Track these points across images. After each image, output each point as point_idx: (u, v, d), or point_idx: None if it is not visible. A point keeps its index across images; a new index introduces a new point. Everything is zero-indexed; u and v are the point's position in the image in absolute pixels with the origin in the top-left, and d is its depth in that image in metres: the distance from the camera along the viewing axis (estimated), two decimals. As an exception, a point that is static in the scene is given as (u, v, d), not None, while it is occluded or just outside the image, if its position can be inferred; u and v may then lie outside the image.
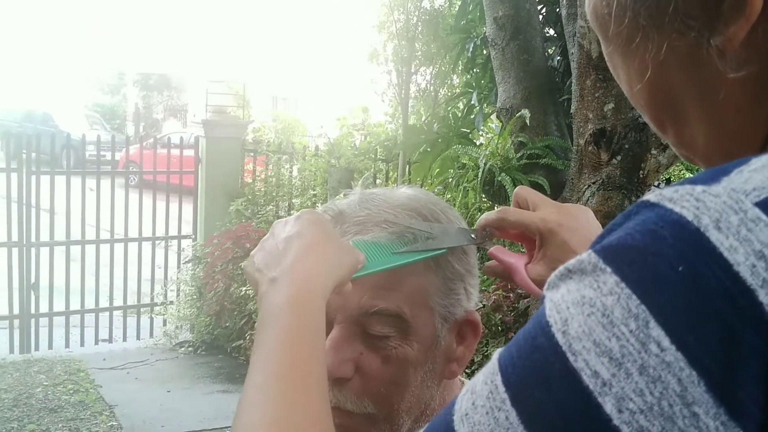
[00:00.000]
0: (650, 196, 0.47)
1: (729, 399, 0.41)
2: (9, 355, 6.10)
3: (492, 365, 0.49)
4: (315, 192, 6.92)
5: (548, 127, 3.90)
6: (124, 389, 5.41)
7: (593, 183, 3.34)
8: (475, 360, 3.39)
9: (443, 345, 0.88)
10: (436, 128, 5.26)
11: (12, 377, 5.50)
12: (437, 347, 0.87)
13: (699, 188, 0.45)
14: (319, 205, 5.54)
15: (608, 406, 0.42)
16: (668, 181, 4.22)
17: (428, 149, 4.88)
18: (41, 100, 22.11)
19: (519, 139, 3.84)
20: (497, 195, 3.67)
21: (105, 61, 27.29)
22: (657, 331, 0.42)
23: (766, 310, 0.41)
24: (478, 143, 4.93)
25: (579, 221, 0.85)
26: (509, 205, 0.90)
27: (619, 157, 3.30)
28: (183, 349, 6.46)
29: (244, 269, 0.77)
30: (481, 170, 3.75)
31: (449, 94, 8.50)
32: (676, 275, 0.43)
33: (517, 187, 0.91)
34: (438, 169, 4.55)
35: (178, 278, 6.94)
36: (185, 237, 7.17)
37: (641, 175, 3.32)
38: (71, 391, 5.27)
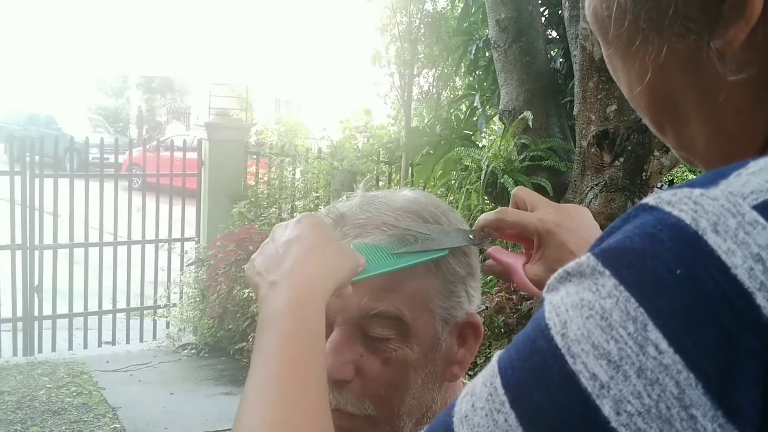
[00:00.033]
0: (649, 199, 0.47)
1: (726, 402, 0.41)
2: (12, 358, 6.10)
3: (491, 367, 0.49)
4: (318, 194, 6.92)
5: (551, 129, 3.90)
6: (127, 391, 5.41)
7: (596, 185, 3.34)
8: (478, 362, 3.39)
9: (444, 347, 0.88)
10: (438, 130, 5.26)
11: (15, 379, 5.51)
12: (438, 350, 0.87)
13: (697, 191, 0.45)
14: (322, 207, 5.54)
15: (606, 408, 0.42)
16: (671, 183, 4.22)
17: (431, 151, 4.89)
18: (45, 103, 22.16)
19: (521, 141, 3.84)
20: (500, 197, 3.67)
21: (108, 64, 27.35)
22: (655, 334, 0.42)
23: (763, 313, 0.41)
24: (480, 145, 4.93)
25: (577, 222, 0.85)
26: None
27: (621, 159, 3.30)
28: (186, 351, 6.47)
29: (245, 273, 0.78)
30: (483, 172, 3.75)
31: (452, 96, 8.50)
32: (674, 278, 0.43)
33: (516, 188, 0.91)
34: (441, 171, 4.55)
35: (181, 281, 6.95)
36: (188, 239, 7.18)
37: (644, 177, 3.32)
38: (74, 394, 5.27)
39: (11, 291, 6.16)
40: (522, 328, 0.50)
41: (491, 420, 0.47)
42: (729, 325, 0.41)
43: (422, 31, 8.50)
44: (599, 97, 3.28)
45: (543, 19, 4.38)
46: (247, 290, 5.66)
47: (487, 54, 4.79)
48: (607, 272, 0.45)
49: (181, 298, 6.89)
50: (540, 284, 0.83)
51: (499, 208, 0.89)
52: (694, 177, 0.48)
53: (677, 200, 0.45)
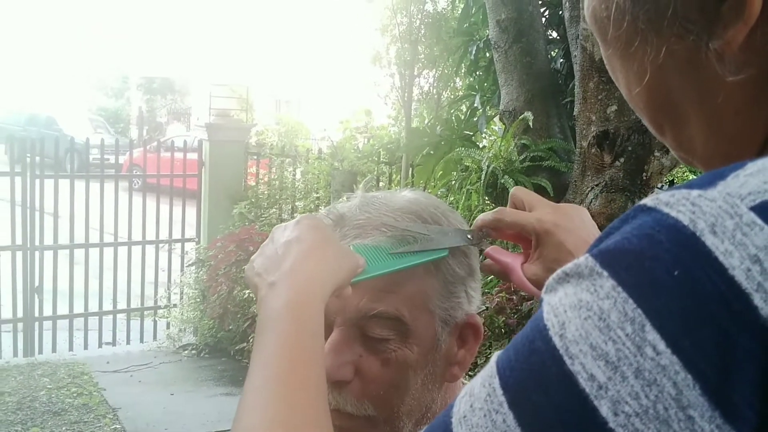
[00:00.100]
0: (647, 200, 0.47)
1: (724, 403, 0.41)
2: (13, 359, 6.11)
3: (490, 368, 0.49)
4: (318, 195, 6.92)
5: (551, 130, 3.90)
6: (128, 392, 5.41)
7: (596, 185, 3.34)
8: (478, 363, 3.39)
9: (444, 348, 0.88)
10: (439, 131, 5.26)
11: (16, 380, 5.51)
12: (438, 350, 0.87)
13: (695, 192, 0.45)
14: (322, 208, 5.54)
15: (604, 409, 0.42)
16: (671, 183, 4.22)
17: (431, 152, 4.89)
18: (45, 104, 22.17)
19: (522, 141, 3.84)
20: (500, 197, 3.67)
21: (109, 65, 27.36)
22: (653, 335, 0.42)
23: (761, 314, 0.41)
24: (481, 146, 4.94)
25: (575, 221, 0.85)
26: None
27: (622, 160, 3.29)
28: (186, 352, 6.47)
29: (245, 273, 0.78)
30: (484, 173, 3.75)
31: (452, 96, 8.50)
32: (672, 279, 0.43)
33: (513, 188, 0.92)
34: (441, 172, 4.55)
35: (181, 281, 6.95)
36: (188, 240, 7.18)
37: (644, 177, 3.32)
38: (75, 394, 5.27)
39: (12, 292, 6.16)
40: (522, 329, 0.50)
41: (490, 420, 0.47)
42: (726, 326, 0.41)
43: (423, 31, 8.50)
44: (600, 97, 3.28)
45: (543, 19, 4.38)
46: (247, 291, 5.66)
47: (487, 54, 4.79)
48: (606, 273, 0.45)
49: (181, 298, 6.90)
50: (538, 284, 0.83)
51: (498, 208, 0.89)
52: (695, 177, 0.48)
53: (675, 201, 0.45)
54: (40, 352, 6.28)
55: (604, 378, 0.43)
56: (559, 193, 3.57)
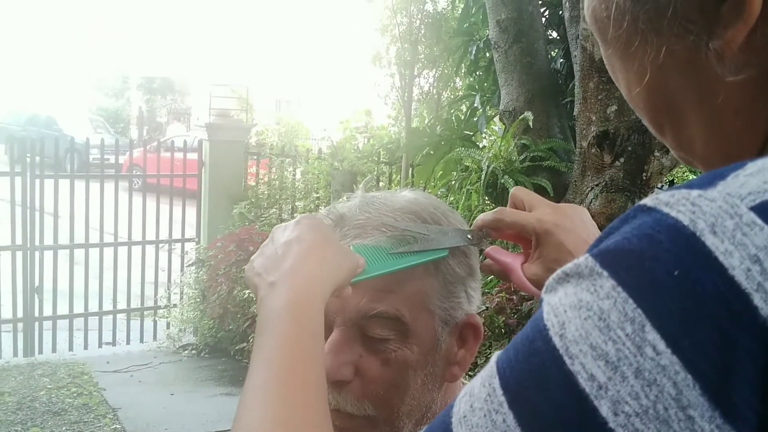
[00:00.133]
0: (647, 200, 0.47)
1: (724, 403, 0.41)
2: (13, 359, 6.11)
3: (490, 368, 0.50)
4: (318, 195, 6.92)
5: (551, 130, 3.90)
6: (128, 392, 5.41)
7: (596, 185, 3.34)
8: (478, 363, 3.39)
9: (444, 348, 0.88)
10: (439, 131, 5.27)
11: (16, 380, 5.51)
12: (437, 350, 0.87)
13: (695, 192, 0.45)
14: (322, 208, 5.54)
15: (604, 409, 0.43)
16: (672, 183, 4.21)
17: (431, 152, 4.89)
18: (45, 104, 22.16)
19: (522, 141, 3.84)
20: (500, 197, 3.67)
21: (109, 65, 27.37)
22: (653, 335, 0.42)
23: (760, 314, 0.41)
24: (481, 146, 4.94)
25: (574, 221, 0.85)
26: None
27: (622, 160, 3.30)
28: (186, 352, 6.47)
29: (245, 274, 0.78)
30: (484, 173, 3.75)
31: (452, 96, 8.50)
32: (672, 279, 0.43)
33: (513, 188, 0.92)
34: (441, 172, 4.55)
35: (181, 281, 6.95)
36: (189, 240, 7.18)
37: (644, 178, 3.32)
38: (75, 395, 5.27)
39: (12, 292, 6.16)
40: (522, 329, 0.50)
41: (489, 420, 0.47)
42: (726, 327, 0.41)
43: (423, 31, 8.51)
44: (600, 97, 3.28)
45: (543, 19, 4.38)
46: (247, 291, 5.66)
47: (487, 54, 4.79)
48: (605, 273, 0.45)
49: (181, 298, 6.90)
50: (538, 284, 0.83)
51: (498, 208, 0.89)
52: (695, 177, 0.48)
53: (675, 201, 0.45)
54: (40, 352, 6.28)
55: (604, 378, 0.43)
56: (559, 193, 3.57)
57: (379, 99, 9.97)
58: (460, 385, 0.93)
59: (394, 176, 6.65)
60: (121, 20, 28.23)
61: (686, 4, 0.52)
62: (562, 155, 3.81)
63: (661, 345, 0.42)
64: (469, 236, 0.88)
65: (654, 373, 0.42)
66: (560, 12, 4.12)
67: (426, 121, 8.66)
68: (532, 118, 3.75)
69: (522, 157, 3.81)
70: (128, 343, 6.72)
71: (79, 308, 6.48)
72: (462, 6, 5.45)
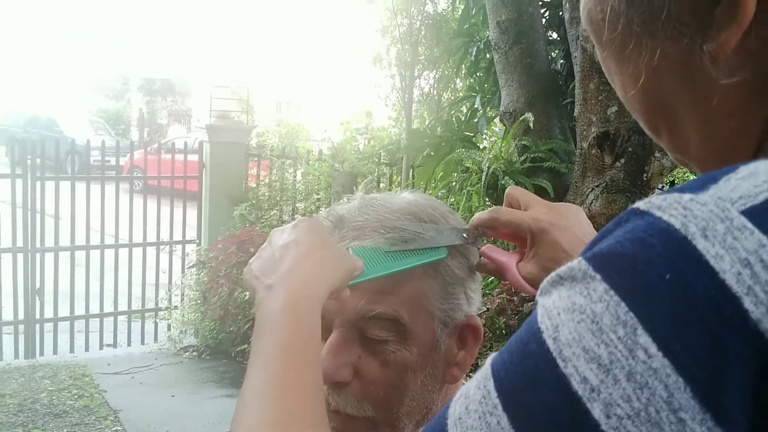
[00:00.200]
0: (640, 204, 0.47)
1: (715, 405, 0.41)
2: (14, 360, 6.10)
3: (485, 370, 0.50)
4: (319, 196, 6.93)
5: (551, 131, 3.90)
6: (129, 394, 5.41)
7: (597, 186, 3.34)
8: (478, 364, 3.38)
9: (443, 349, 0.88)
10: (439, 132, 5.27)
11: (17, 382, 5.51)
12: (437, 351, 0.87)
13: (687, 196, 0.45)
14: (323, 209, 5.53)
15: (596, 411, 0.43)
16: (672, 184, 4.21)
17: (432, 153, 4.89)
18: (46, 106, 22.16)
19: (522, 142, 3.84)
20: (501, 198, 3.66)
21: (109, 66, 27.38)
22: (644, 338, 0.43)
23: (751, 317, 0.41)
24: (481, 147, 4.94)
25: (570, 220, 0.85)
26: None
27: (622, 160, 3.30)
28: (187, 353, 6.47)
29: (243, 276, 0.78)
30: (484, 174, 3.76)
31: (452, 98, 8.51)
32: (663, 283, 0.43)
33: (509, 187, 0.92)
34: (441, 173, 4.56)
35: (182, 283, 6.95)
36: (189, 242, 7.18)
37: (645, 178, 3.32)
38: (76, 396, 5.27)
39: (13, 294, 6.16)
40: (517, 331, 0.50)
41: (484, 422, 0.47)
42: (717, 330, 0.41)
43: (423, 33, 8.51)
44: (600, 98, 3.29)
45: (543, 20, 4.38)
46: (248, 292, 5.65)
47: (487, 56, 4.80)
48: (598, 277, 0.45)
49: (182, 300, 6.89)
50: (534, 282, 0.84)
51: (494, 207, 0.89)
52: (690, 180, 0.48)
53: (667, 205, 0.45)
54: (41, 354, 6.28)
55: (596, 381, 0.43)
56: (559, 194, 3.57)
57: (380, 100, 9.97)
58: (460, 387, 0.93)
59: (394, 177, 6.65)
60: (121, 22, 28.26)
61: (680, 8, 0.52)
62: (562, 156, 3.81)
63: (653, 348, 0.42)
64: (465, 235, 0.88)
65: (646, 376, 0.42)
66: (560, 13, 4.12)
67: (426, 123, 8.66)
68: (533, 119, 3.76)
69: (522, 158, 3.81)
70: (129, 344, 6.71)
71: (80, 310, 6.48)
72: (462, 7, 5.46)
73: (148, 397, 5.37)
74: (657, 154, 3.28)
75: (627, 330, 0.43)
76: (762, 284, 0.41)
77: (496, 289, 4.19)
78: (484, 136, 5.43)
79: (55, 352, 6.29)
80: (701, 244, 0.43)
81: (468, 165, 4.11)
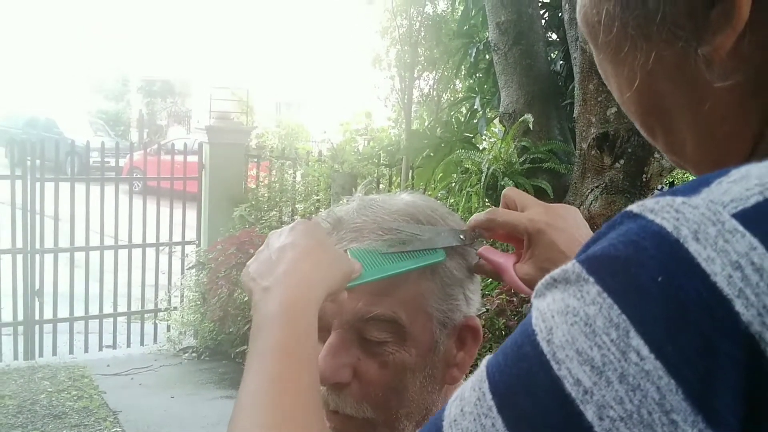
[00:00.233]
0: (633, 206, 0.48)
1: (706, 407, 0.41)
2: (13, 362, 6.10)
3: (480, 372, 0.50)
4: (318, 197, 6.93)
5: (551, 132, 3.90)
6: (128, 395, 5.41)
7: (596, 187, 3.34)
8: (478, 365, 3.38)
9: (442, 350, 0.88)
10: (439, 133, 5.27)
11: (16, 383, 5.51)
12: (436, 353, 0.87)
13: (679, 200, 0.45)
14: (323, 210, 5.54)
15: (590, 413, 0.43)
16: (672, 185, 4.21)
17: (431, 154, 4.89)
18: (45, 107, 22.16)
19: (522, 143, 3.84)
20: (500, 199, 3.67)
21: (109, 68, 27.38)
22: (637, 341, 0.43)
23: (742, 319, 0.41)
24: (481, 148, 4.94)
25: (566, 221, 0.85)
26: None
27: (622, 161, 3.30)
28: (187, 354, 6.47)
29: (241, 279, 0.78)
30: (484, 175, 3.76)
31: (452, 98, 8.51)
32: (655, 286, 0.43)
33: (506, 189, 0.92)
34: (441, 174, 4.55)
35: (181, 284, 6.95)
36: (189, 243, 7.18)
37: (644, 179, 3.32)
38: (75, 398, 5.27)
39: (12, 295, 6.16)
40: (512, 333, 0.51)
41: (479, 425, 0.47)
42: (708, 333, 0.42)
43: (422, 34, 8.51)
44: (599, 99, 3.29)
45: (543, 21, 4.38)
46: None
47: (487, 57, 4.80)
48: (591, 279, 0.46)
49: (181, 301, 6.89)
50: (531, 283, 0.84)
51: (490, 208, 0.89)
52: (683, 183, 0.48)
53: (660, 208, 0.46)
54: (41, 355, 6.28)
55: (589, 383, 0.43)
56: (559, 195, 3.57)
57: (379, 101, 9.98)
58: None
59: (394, 178, 6.65)
60: (121, 23, 28.26)
61: (675, 11, 0.53)
62: (562, 157, 3.81)
63: (645, 350, 0.43)
64: (462, 236, 0.88)
65: (638, 378, 0.42)
66: (560, 14, 4.12)
67: (426, 123, 8.66)
68: (532, 120, 3.76)
69: (522, 159, 3.81)
70: (129, 346, 6.71)
71: (79, 311, 6.47)
72: (462, 8, 5.46)
73: (148, 399, 5.37)
74: (656, 155, 3.28)
75: (619, 332, 0.43)
76: (753, 287, 0.42)
77: (496, 290, 4.19)
78: (483, 137, 5.43)
79: (54, 353, 6.29)
80: (693, 247, 0.43)
81: (467, 166, 4.11)
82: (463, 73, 5.61)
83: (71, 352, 6.37)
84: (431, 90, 9.29)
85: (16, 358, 6.18)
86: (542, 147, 3.78)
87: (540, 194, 3.61)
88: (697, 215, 0.44)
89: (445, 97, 9.11)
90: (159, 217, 6.85)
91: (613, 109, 3.24)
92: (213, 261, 6.29)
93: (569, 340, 0.45)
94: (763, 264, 0.42)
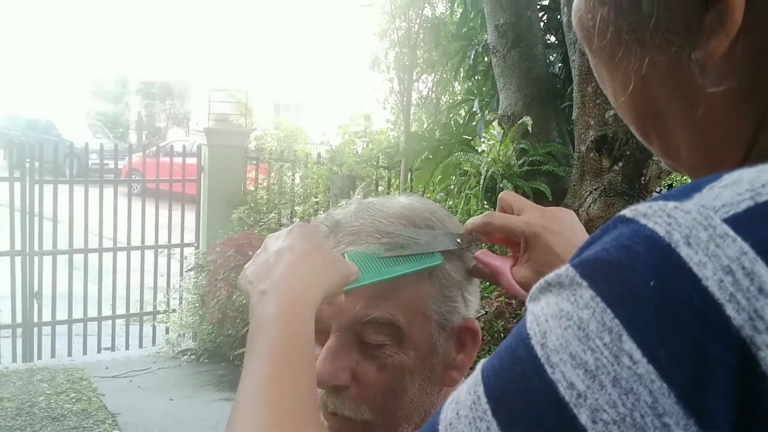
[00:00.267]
0: (626, 211, 0.48)
1: (698, 411, 0.42)
2: (12, 364, 6.10)
3: (476, 376, 0.50)
4: (317, 199, 6.92)
5: (550, 134, 3.90)
6: (127, 397, 5.41)
7: (595, 189, 3.34)
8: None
9: (441, 352, 0.88)
10: (437, 135, 5.27)
11: (15, 386, 5.50)
12: (435, 355, 0.87)
13: (671, 204, 0.46)
14: (321, 212, 5.54)
15: (583, 417, 0.43)
16: (670, 187, 4.21)
17: (430, 156, 4.89)
18: (44, 109, 22.16)
19: (520, 145, 3.84)
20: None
21: (108, 70, 27.37)
22: (629, 345, 0.43)
23: (733, 324, 0.42)
24: (479, 150, 4.94)
25: (563, 225, 0.86)
26: None
27: (620, 164, 3.30)
28: (185, 357, 6.46)
29: (238, 282, 0.79)
30: (482, 177, 3.76)
31: (451, 101, 8.50)
32: (648, 290, 0.43)
33: (502, 192, 0.93)
34: (440, 176, 4.55)
35: (180, 286, 6.94)
36: (188, 245, 7.18)
37: (643, 182, 3.32)
38: (74, 400, 5.27)
39: (11, 297, 6.16)
40: (507, 337, 0.51)
41: (474, 428, 0.48)
42: (700, 336, 0.42)
43: (421, 36, 8.51)
44: (598, 101, 3.29)
45: (542, 24, 4.39)
46: (246, 296, 5.64)
47: (486, 59, 4.80)
48: (585, 283, 0.46)
49: (180, 303, 6.88)
50: (527, 287, 0.84)
51: (487, 212, 0.90)
52: (677, 187, 0.49)
53: (652, 213, 0.46)
54: (39, 357, 6.27)
55: (583, 386, 0.44)
56: (557, 198, 3.58)
57: (378, 103, 9.96)
58: (460, 390, 0.93)
59: (393, 181, 6.65)
60: (120, 25, 28.25)
61: (669, 16, 0.53)
62: (560, 159, 3.81)
63: (638, 354, 0.43)
64: (459, 240, 0.88)
65: (631, 381, 0.43)
66: (558, 17, 4.12)
67: (425, 126, 8.65)
68: (531, 122, 3.76)
69: (521, 161, 3.81)
70: (127, 348, 6.70)
71: (78, 313, 6.47)
72: (460, 11, 5.46)
73: (146, 401, 5.37)
74: (655, 158, 3.28)
75: (612, 336, 0.44)
76: (743, 291, 0.42)
77: (495, 293, 4.20)
78: (482, 140, 5.43)
79: (53, 355, 6.28)
80: (685, 252, 0.43)
81: (466, 168, 4.11)
82: (461, 75, 5.61)
83: (70, 354, 6.37)
84: (430, 92, 9.28)
85: (14, 360, 6.17)
86: (541, 149, 3.79)
87: (539, 197, 3.62)
88: (689, 220, 0.44)
89: (444, 100, 9.10)
90: (158, 219, 6.84)
91: (612, 112, 3.24)
92: (212, 263, 6.29)
93: (563, 344, 0.45)
94: (753, 268, 0.42)
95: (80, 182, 6.60)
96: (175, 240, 7.02)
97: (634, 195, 3.30)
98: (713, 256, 0.43)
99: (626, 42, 0.56)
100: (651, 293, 0.43)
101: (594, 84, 3.27)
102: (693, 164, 0.59)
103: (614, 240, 0.46)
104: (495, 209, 0.92)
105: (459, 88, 8.07)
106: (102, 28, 28.29)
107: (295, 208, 6.96)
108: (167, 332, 6.80)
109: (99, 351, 6.54)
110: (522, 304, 4.02)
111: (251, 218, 6.93)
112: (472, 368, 0.86)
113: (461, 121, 5.39)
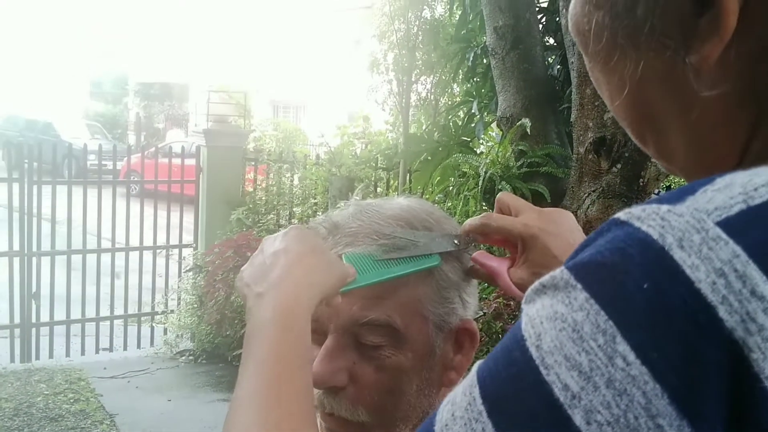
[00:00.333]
0: (620, 214, 0.48)
1: (691, 412, 0.42)
2: (10, 365, 6.09)
3: (471, 377, 0.51)
4: (316, 201, 6.92)
5: (548, 136, 3.91)
6: (125, 398, 5.40)
7: (593, 191, 3.35)
8: (476, 369, 3.38)
9: (439, 353, 0.88)
10: (436, 137, 5.27)
11: (13, 386, 5.50)
12: (433, 356, 0.87)
13: (665, 207, 0.46)
14: (320, 213, 5.53)
15: (578, 418, 0.44)
16: (668, 189, 4.22)
17: (429, 158, 4.89)
18: (43, 110, 22.15)
19: (519, 147, 3.84)
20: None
21: (106, 71, 27.36)
22: (623, 346, 0.44)
23: (726, 326, 0.42)
24: (478, 152, 4.95)
25: (560, 226, 0.86)
26: None
27: (619, 166, 3.30)
28: (184, 357, 6.46)
29: (236, 284, 0.79)
30: (481, 179, 3.76)
31: (450, 103, 8.50)
32: (641, 292, 0.44)
33: (500, 193, 0.92)
34: (438, 178, 4.56)
35: (179, 287, 6.94)
36: (186, 246, 7.17)
37: (641, 183, 3.32)
38: (72, 401, 5.26)
39: (9, 297, 6.15)
40: (502, 339, 0.52)
41: (470, 429, 0.48)
42: (693, 338, 0.42)
43: (420, 38, 8.51)
44: (596, 103, 3.29)
45: (540, 26, 4.39)
46: (244, 297, 5.64)
47: (484, 61, 4.80)
48: (579, 286, 0.46)
49: (178, 304, 6.88)
50: (524, 288, 0.84)
51: (485, 213, 0.90)
52: (672, 190, 0.49)
53: (646, 216, 0.46)
54: (37, 358, 6.26)
55: (577, 388, 0.44)
56: (556, 199, 3.58)
57: (377, 105, 9.96)
58: (458, 391, 0.94)
59: (391, 182, 6.65)
60: (118, 25, 28.24)
61: (664, 20, 0.53)
62: (559, 161, 3.81)
63: (631, 356, 0.43)
64: (456, 241, 0.88)
65: (624, 383, 0.43)
66: (557, 19, 4.13)
67: (423, 127, 8.66)
68: (530, 124, 3.76)
69: (519, 163, 3.81)
70: (125, 349, 6.70)
71: (76, 314, 6.46)
72: (459, 13, 5.46)
73: (144, 402, 5.37)
74: (653, 160, 3.28)
75: (606, 338, 0.44)
76: (736, 293, 0.42)
77: (493, 294, 4.20)
78: (481, 141, 5.44)
79: (51, 356, 6.28)
80: (678, 255, 0.44)
81: (465, 170, 4.11)
82: (460, 77, 5.62)
83: (68, 354, 6.36)
84: (429, 94, 9.28)
85: (12, 360, 6.17)
86: (539, 151, 3.79)
87: (537, 198, 3.62)
88: (682, 223, 0.45)
89: (443, 101, 9.10)
90: (156, 220, 6.84)
91: (610, 114, 3.24)
92: (210, 264, 6.29)
93: (557, 346, 0.45)
94: (746, 271, 0.43)
95: (79, 183, 6.60)
96: (174, 241, 7.02)
97: (633, 197, 3.30)
98: (706, 259, 0.43)
99: (621, 46, 0.56)
100: (644, 295, 0.44)
101: (592, 86, 3.26)
102: (689, 167, 0.59)
103: (608, 243, 0.47)
104: (488, 212, 0.92)
105: (458, 89, 8.07)
106: (101, 28, 28.28)
107: (294, 209, 6.96)
108: (165, 333, 6.80)
109: (97, 351, 6.54)
110: (520, 305, 4.03)
111: (250, 219, 6.93)
112: (470, 369, 0.87)
113: (460, 123, 5.40)
